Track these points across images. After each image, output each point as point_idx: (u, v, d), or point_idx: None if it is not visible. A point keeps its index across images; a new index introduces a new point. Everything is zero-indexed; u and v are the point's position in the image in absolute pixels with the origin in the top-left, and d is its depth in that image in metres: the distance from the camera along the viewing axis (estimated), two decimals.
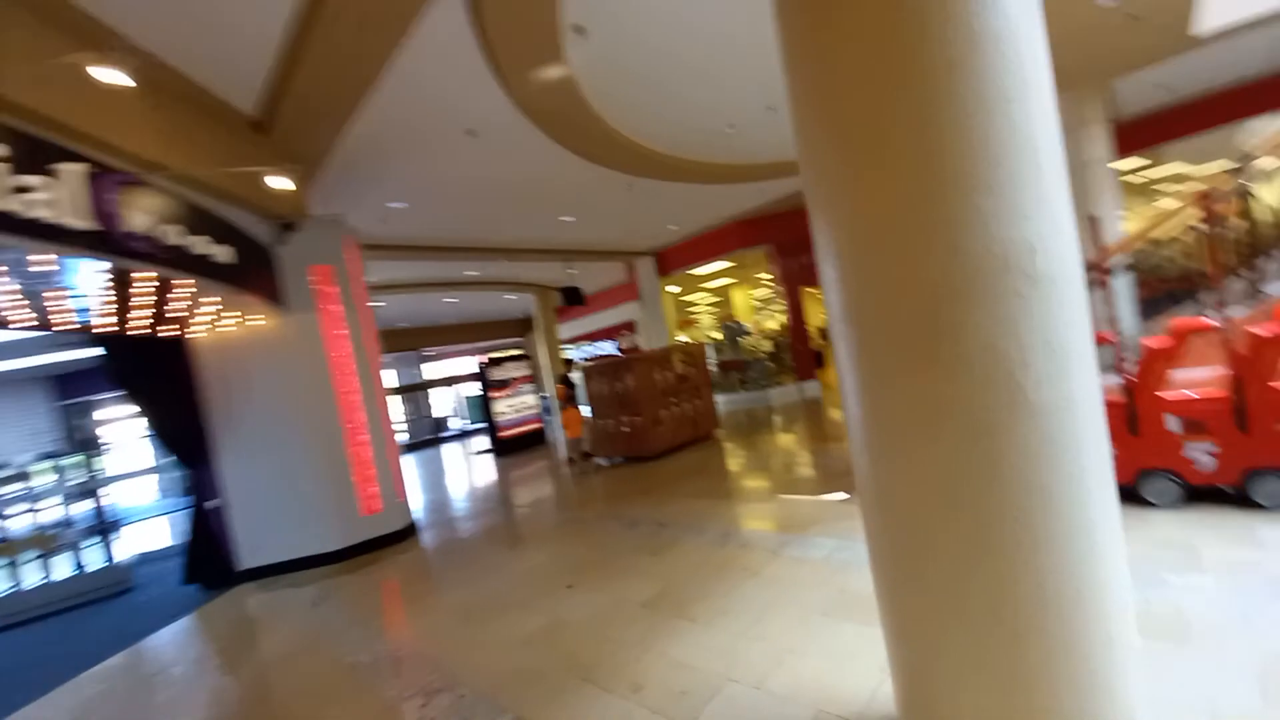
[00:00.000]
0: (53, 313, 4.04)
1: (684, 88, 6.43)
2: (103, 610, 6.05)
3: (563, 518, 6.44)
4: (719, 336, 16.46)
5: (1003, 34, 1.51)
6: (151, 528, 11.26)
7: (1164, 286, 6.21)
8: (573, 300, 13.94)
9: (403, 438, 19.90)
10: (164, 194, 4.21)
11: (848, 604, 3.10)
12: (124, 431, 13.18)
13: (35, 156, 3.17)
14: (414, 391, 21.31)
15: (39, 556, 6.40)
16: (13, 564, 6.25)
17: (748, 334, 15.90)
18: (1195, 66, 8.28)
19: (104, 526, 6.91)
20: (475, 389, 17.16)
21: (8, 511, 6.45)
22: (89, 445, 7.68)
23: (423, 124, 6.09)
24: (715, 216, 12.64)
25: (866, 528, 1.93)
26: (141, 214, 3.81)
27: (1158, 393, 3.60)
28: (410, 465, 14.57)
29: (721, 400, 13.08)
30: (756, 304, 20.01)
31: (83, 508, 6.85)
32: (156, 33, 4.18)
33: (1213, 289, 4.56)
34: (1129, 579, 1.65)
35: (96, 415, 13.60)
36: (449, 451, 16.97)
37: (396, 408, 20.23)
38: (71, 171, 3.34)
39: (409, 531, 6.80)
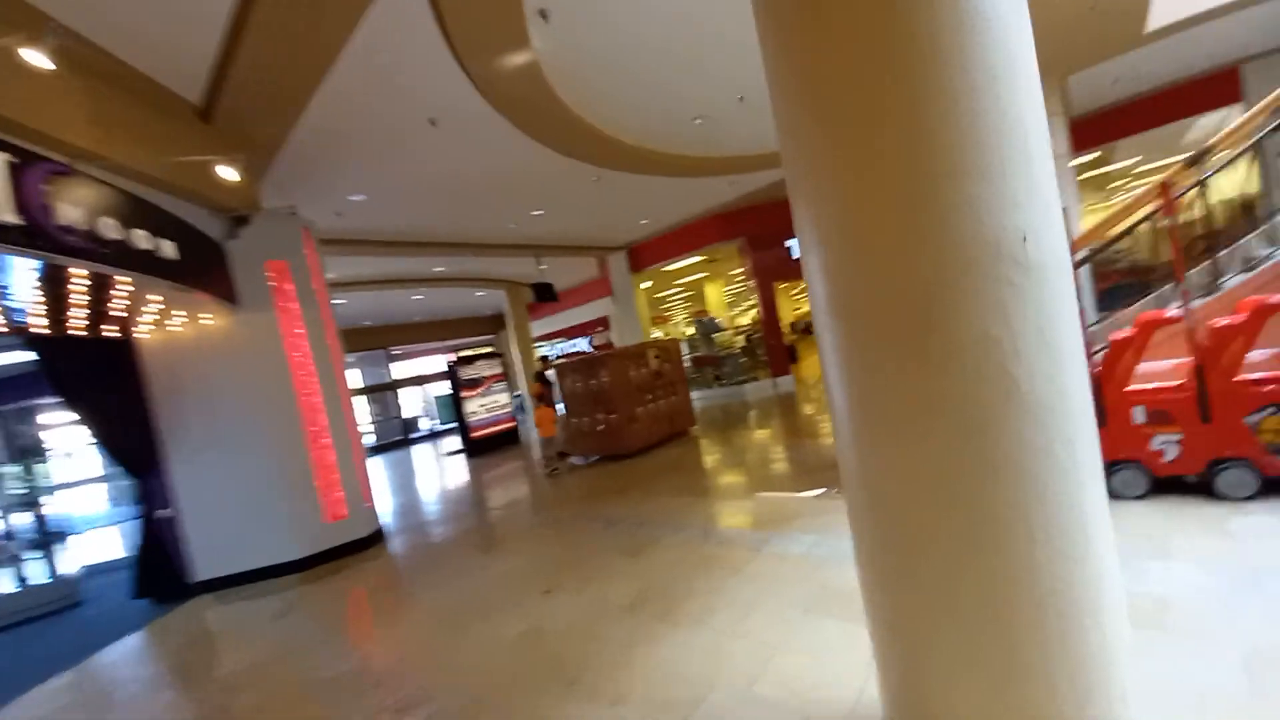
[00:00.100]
0: None
1: (652, 76, 6.32)
2: (47, 627, 5.74)
3: (538, 519, 6.30)
4: (692, 332, 16.48)
5: (990, 13, 1.46)
6: (100, 538, 10.68)
7: (1121, 278, 6.40)
8: (544, 297, 13.71)
9: (370, 439, 19.36)
10: (101, 185, 3.90)
11: (829, 600, 3.07)
12: (69, 438, 12.45)
13: None
14: (382, 391, 20.74)
15: None
16: None
17: (721, 329, 15.94)
18: (1147, 62, 8.57)
19: (48, 538, 6.52)
20: (445, 388, 16.78)
21: None
22: (30, 453, 7.20)
23: (382, 111, 5.83)
24: (687, 211, 12.58)
25: (853, 524, 1.87)
26: (75, 206, 3.51)
27: (1125, 384, 3.67)
28: (378, 468, 14.17)
29: (696, 396, 13.09)
30: (730, 299, 20.12)
31: (24, 519, 6.45)
32: (91, 14, 3.87)
33: (1174, 281, 4.69)
34: (1119, 573, 1.63)
35: (39, 420, 12.80)
36: (419, 453, 16.58)
37: (363, 409, 19.66)
38: None
39: (376, 538, 6.56)
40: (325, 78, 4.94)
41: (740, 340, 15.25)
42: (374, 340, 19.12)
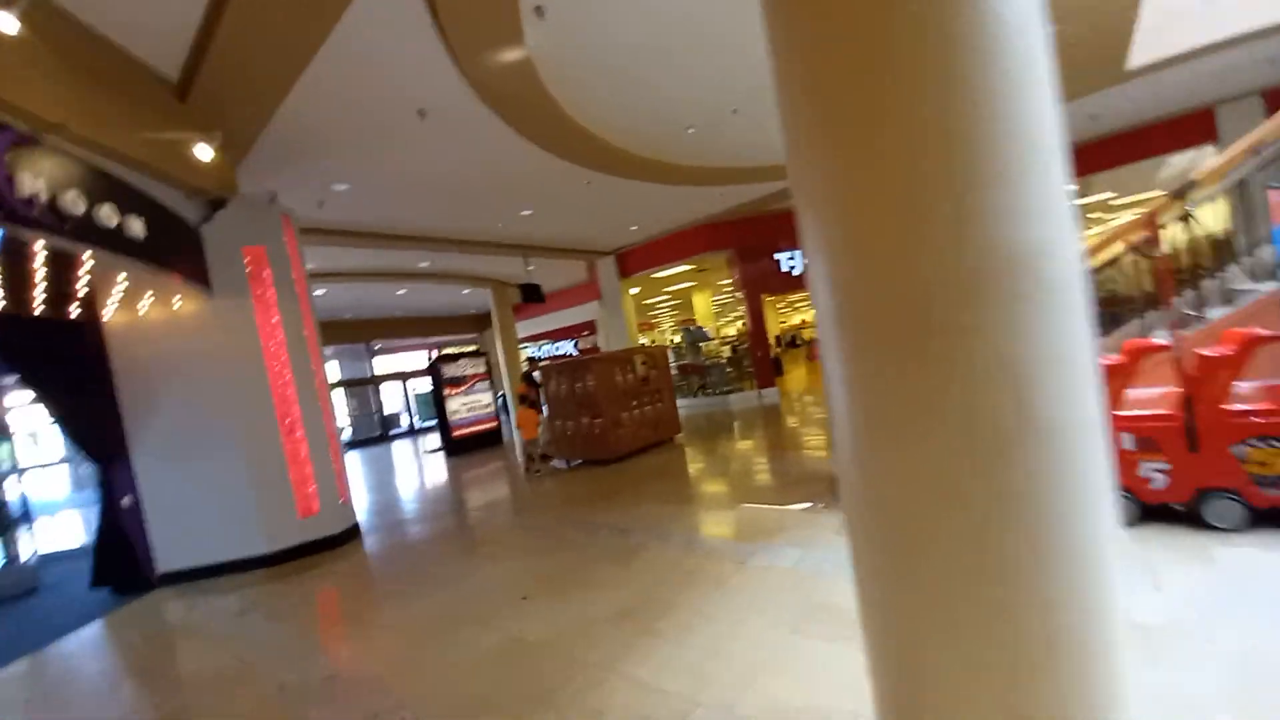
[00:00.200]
0: None
1: (646, 82, 6.27)
2: (2, 614, 5.51)
3: (519, 523, 6.16)
4: (679, 340, 16.45)
5: (1009, 17, 1.42)
6: (63, 523, 10.27)
7: (1104, 307, 6.51)
8: (532, 298, 13.55)
9: (347, 435, 18.95)
10: (67, 158, 3.71)
11: (817, 616, 3.00)
12: (33, 418, 11.95)
13: None
14: (362, 386, 20.33)
15: None
16: None
17: (709, 339, 15.94)
18: (1125, 100, 8.82)
19: (6, 521, 6.23)
20: (427, 385, 16.50)
21: None
22: None
23: (369, 99, 5.66)
24: (677, 219, 12.56)
25: (852, 547, 1.80)
26: (36, 178, 3.32)
27: (1113, 411, 3.69)
28: (356, 464, 13.85)
29: (681, 404, 13.02)
30: (717, 309, 20.17)
31: None
32: None
33: (1161, 309, 4.77)
34: (1122, 614, 1.59)
35: (2, 400, 12.30)
36: (398, 450, 16.26)
37: (341, 403, 19.24)
38: None
39: (351, 535, 6.36)
40: (311, 60, 4.74)
41: (726, 350, 15.24)
42: (355, 334, 18.74)
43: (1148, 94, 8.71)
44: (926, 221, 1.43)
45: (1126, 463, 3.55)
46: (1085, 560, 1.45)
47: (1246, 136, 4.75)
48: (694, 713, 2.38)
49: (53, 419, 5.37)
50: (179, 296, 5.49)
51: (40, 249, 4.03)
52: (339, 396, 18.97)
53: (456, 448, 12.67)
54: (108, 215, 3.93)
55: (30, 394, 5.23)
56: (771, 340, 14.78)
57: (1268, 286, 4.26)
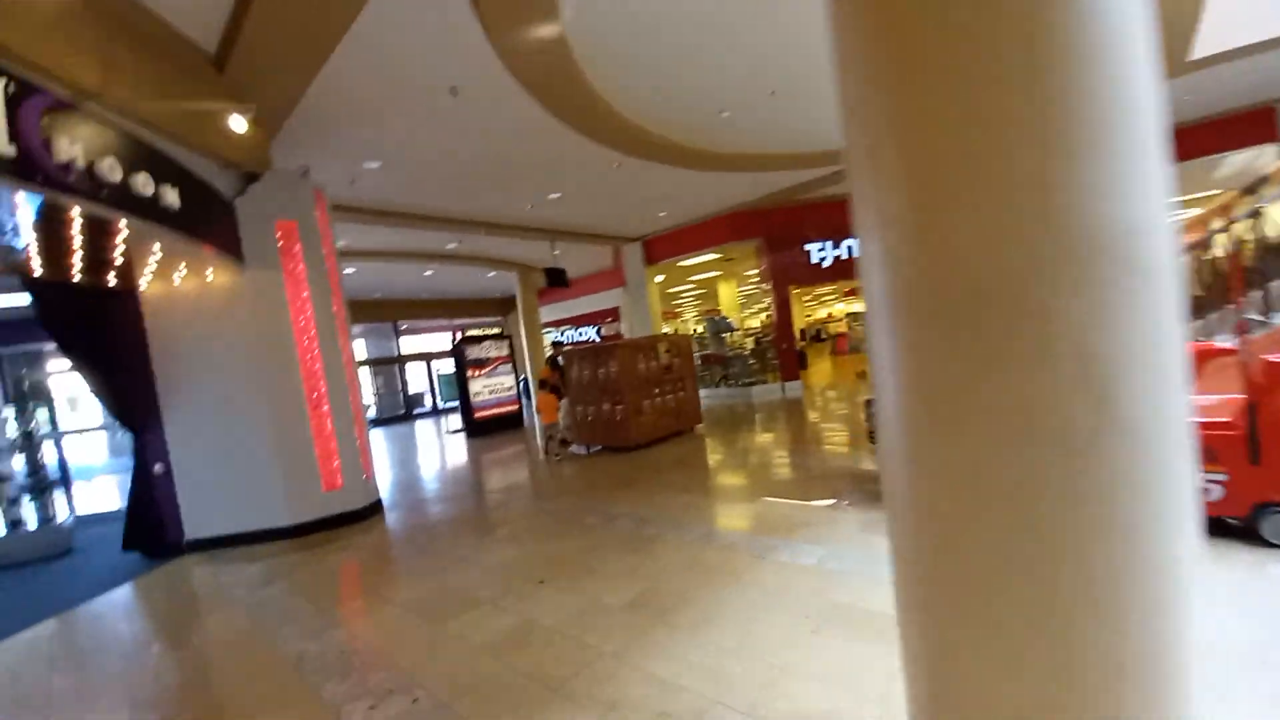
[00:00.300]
0: None
1: (682, 62, 6.09)
2: (37, 573, 5.72)
3: (537, 507, 6.15)
4: (702, 329, 16.26)
5: None
6: (99, 487, 10.68)
7: None
8: (556, 282, 13.51)
9: (372, 412, 19.30)
10: (104, 125, 3.73)
11: (840, 617, 2.89)
12: (72, 385, 12.43)
13: None
14: (388, 365, 20.65)
15: None
16: None
17: (733, 329, 15.72)
18: (1184, 94, 8.34)
19: (44, 484, 6.47)
20: (451, 366, 16.71)
21: None
22: (32, 396, 7.12)
23: (402, 75, 5.61)
24: (706, 206, 12.34)
25: (895, 548, 1.68)
26: (74, 143, 3.34)
27: None
28: (380, 441, 14.08)
29: (702, 394, 12.90)
30: (742, 299, 19.88)
31: (21, 463, 6.40)
32: None
33: (1222, 311, 4.47)
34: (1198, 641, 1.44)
35: (44, 365, 12.80)
36: (422, 429, 16.49)
37: (367, 380, 19.58)
38: None
39: (373, 510, 6.43)
40: (347, 33, 4.72)
41: (750, 342, 15.03)
42: (382, 314, 19.00)
43: (1207, 88, 8.21)
44: (1007, 193, 1.28)
45: None
46: (1166, 577, 1.31)
47: None
48: (711, 710, 2.30)
49: (89, 386, 5.51)
50: (212, 268, 5.56)
51: (77, 215, 4.09)
52: (365, 374, 19.30)
53: (478, 429, 12.78)
54: (143, 184, 3.97)
55: (68, 361, 5.36)
56: (796, 333, 14.51)
57: None
